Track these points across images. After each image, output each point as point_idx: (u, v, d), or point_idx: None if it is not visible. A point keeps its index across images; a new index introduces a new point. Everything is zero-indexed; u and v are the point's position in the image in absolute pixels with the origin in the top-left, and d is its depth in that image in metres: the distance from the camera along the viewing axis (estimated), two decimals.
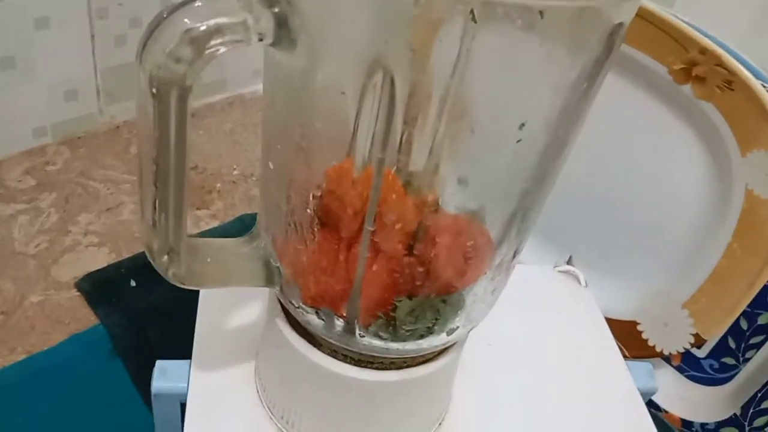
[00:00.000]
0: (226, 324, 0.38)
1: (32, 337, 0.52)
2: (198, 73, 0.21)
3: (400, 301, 0.27)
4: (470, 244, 0.28)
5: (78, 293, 0.55)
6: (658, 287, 0.51)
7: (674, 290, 0.50)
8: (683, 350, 0.50)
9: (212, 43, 0.21)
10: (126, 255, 0.59)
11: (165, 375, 0.36)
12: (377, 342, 0.28)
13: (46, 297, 0.55)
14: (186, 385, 0.35)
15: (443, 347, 0.31)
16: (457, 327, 0.29)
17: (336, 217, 0.25)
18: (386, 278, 0.27)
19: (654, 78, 0.46)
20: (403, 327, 0.27)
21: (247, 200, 0.67)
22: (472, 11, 0.20)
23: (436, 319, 0.28)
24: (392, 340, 0.28)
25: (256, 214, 0.64)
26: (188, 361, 0.36)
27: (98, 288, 0.55)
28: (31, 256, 0.58)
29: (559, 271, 0.46)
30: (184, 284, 0.27)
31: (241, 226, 0.64)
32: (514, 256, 0.29)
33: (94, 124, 0.70)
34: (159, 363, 0.36)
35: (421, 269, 0.27)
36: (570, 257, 0.48)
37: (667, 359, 0.54)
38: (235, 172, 0.70)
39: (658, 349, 0.51)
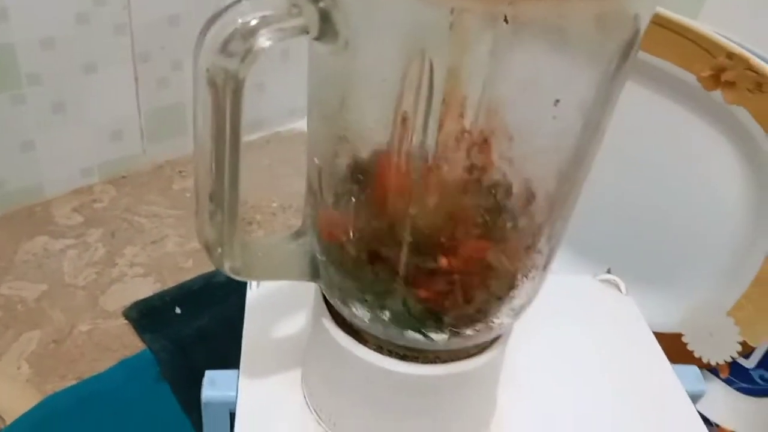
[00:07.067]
0: (273, 334, 0.39)
1: (81, 365, 0.54)
2: (250, 66, 0.22)
3: (447, 290, 0.28)
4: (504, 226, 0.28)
5: (125, 321, 0.57)
6: (701, 297, 0.51)
7: (718, 298, 0.49)
8: (731, 360, 0.49)
9: (260, 36, 0.22)
10: (171, 284, 0.60)
11: (214, 384, 0.37)
12: (420, 336, 0.29)
13: (94, 326, 0.57)
14: (235, 394, 0.36)
15: (489, 342, 0.31)
16: (501, 321, 0.29)
17: (380, 201, 0.26)
18: (427, 273, 0.28)
19: (683, 87, 0.47)
20: (447, 315, 0.28)
21: (286, 230, 0.68)
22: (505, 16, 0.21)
23: (479, 309, 0.29)
24: (436, 331, 0.29)
25: None
26: (237, 370, 0.37)
27: (145, 316, 0.57)
28: (80, 288, 0.60)
29: (600, 281, 0.46)
30: (239, 276, 0.28)
31: None
32: (551, 243, 0.29)
33: (138, 163, 0.73)
34: (208, 373, 0.37)
35: (453, 257, 0.27)
36: (609, 269, 0.48)
37: (716, 372, 0.53)
38: (274, 204, 0.71)
39: (704, 360, 0.50)
